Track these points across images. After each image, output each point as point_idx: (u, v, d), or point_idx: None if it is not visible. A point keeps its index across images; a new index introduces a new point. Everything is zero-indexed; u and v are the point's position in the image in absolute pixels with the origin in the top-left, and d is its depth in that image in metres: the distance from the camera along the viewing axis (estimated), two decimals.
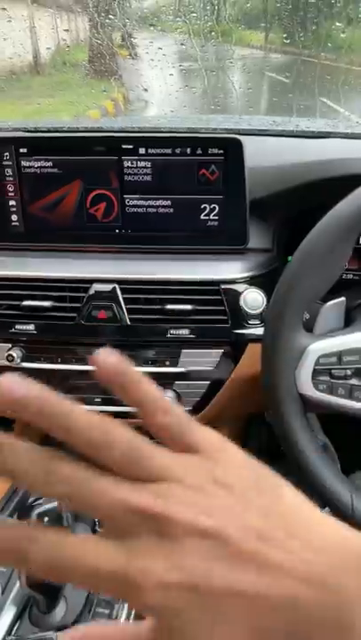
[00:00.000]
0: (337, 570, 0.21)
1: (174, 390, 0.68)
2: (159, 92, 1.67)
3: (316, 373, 0.52)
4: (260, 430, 0.99)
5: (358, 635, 0.20)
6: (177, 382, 0.68)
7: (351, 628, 0.20)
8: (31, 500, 0.74)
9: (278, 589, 0.20)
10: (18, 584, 0.59)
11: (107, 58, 2.12)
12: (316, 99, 1.24)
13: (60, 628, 0.51)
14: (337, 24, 1.30)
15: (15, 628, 0.52)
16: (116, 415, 0.75)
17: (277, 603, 0.20)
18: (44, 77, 2.27)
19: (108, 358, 0.22)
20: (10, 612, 0.56)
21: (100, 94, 2.26)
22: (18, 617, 0.53)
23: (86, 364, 0.69)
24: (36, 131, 0.87)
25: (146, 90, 1.75)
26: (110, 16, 1.53)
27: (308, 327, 0.55)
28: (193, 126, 0.85)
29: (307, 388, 0.52)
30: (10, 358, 0.67)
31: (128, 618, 0.55)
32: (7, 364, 0.67)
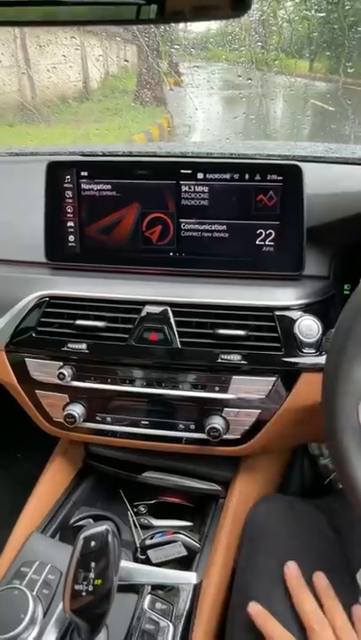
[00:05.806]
0: None
1: (223, 417, 0.67)
2: (202, 118, 1.71)
3: None
4: (302, 464, 0.96)
5: None
6: (226, 409, 0.67)
7: None
8: (73, 520, 0.74)
9: None
10: (60, 607, 0.58)
11: (153, 85, 2.19)
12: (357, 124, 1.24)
13: None
14: None
15: None
16: (160, 438, 0.73)
17: None
18: (93, 103, 2.36)
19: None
20: (51, 636, 0.55)
21: (146, 119, 2.33)
22: None
23: (135, 385, 0.68)
24: (92, 154, 0.89)
25: (190, 117, 1.79)
26: (158, 46, 1.58)
27: None
28: (246, 152, 0.86)
29: None
30: (61, 376, 0.67)
31: None
32: (58, 382, 0.68)
